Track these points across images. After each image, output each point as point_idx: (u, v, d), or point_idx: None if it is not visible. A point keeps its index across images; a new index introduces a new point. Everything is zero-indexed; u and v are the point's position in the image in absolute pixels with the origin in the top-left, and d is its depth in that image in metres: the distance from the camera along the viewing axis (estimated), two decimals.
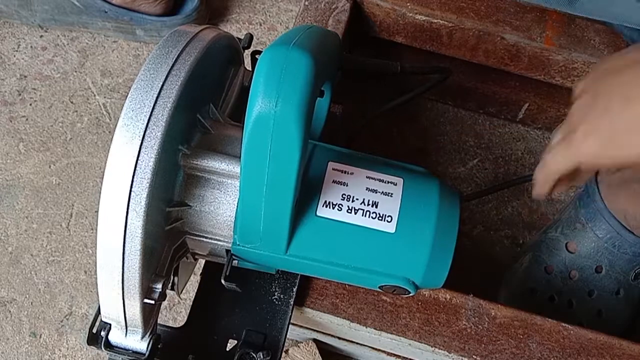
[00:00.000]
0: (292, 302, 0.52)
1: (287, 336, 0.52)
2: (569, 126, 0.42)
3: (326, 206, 0.44)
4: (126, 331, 0.42)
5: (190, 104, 0.41)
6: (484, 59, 0.69)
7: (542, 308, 0.65)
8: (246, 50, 0.52)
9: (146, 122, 0.37)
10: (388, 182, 0.45)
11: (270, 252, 0.44)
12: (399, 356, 0.64)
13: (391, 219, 0.44)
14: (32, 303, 0.76)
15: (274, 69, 0.36)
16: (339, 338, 0.65)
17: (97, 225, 0.37)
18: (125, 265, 0.38)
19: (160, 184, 0.38)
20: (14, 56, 0.91)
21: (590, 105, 0.41)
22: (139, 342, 0.43)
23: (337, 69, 0.47)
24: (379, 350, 0.64)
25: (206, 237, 0.45)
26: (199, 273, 0.55)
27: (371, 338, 0.56)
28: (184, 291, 0.56)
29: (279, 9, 0.97)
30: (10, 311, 0.75)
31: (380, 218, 0.44)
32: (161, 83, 0.38)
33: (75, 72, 0.90)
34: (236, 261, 0.46)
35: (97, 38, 0.93)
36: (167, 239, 0.43)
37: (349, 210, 0.44)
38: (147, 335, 0.43)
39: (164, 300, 0.42)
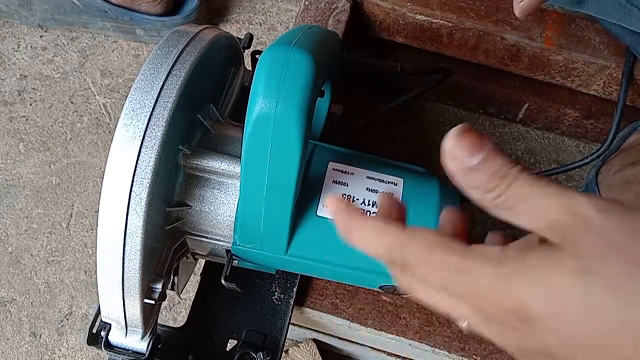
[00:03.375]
0: (292, 302, 0.52)
1: (287, 336, 0.52)
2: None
3: (326, 206, 0.44)
4: (126, 331, 0.42)
5: (191, 104, 0.41)
6: (484, 59, 0.69)
7: None
8: (246, 50, 0.52)
9: (146, 122, 0.37)
10: (388, 182, 0.45)
11: (270, 252, 0.44)
12: (399, 356, 0.64)
13: None
14: (32, 303, 0.75)
15: (275, 69, 0.36)
16: (339, 338, 0.65)
17: (97, 225, 0.37)
18: (125, 265, 0.38)
19: (160, 184, 0.38)
20: (14, 56, 0.91)
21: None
22: (139, 342, 0.43)
23: (337, 69, 0.47)
24: (379, 350, 0.64)
25: (206, 237, 0.45)
26: (199, 273, 0.55)
27: (371, 338, 0.56)
28: (184, 291, 0.55)
29: (279, 9, 0.96)
30: (10, 311, 0.75)
31: None
32: (161, 83, 0.38)
33: (75, 72, 0.90)
34: (236, 261, 0.46)
35: (97, 38, 0.93)
36: (167, 239, 0.43)
37: None
38: (147, 335, 0.42)
39: (164, 300, 0.42)
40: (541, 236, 0.24)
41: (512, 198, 0.25)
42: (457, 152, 0.26)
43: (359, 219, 0.28)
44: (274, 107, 0.36)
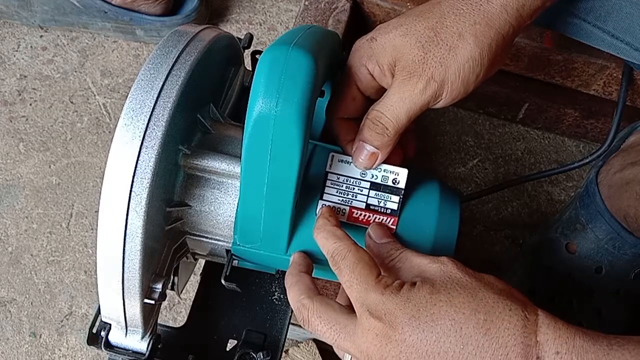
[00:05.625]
0: None
1: (287, 336, 0.52)
2: None
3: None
4: (126, 331, 0.42)
5: (191, 104, 0.41)
6: None
7: (543, 308, 0.65)
8: (246, 50, 0.52)
9: (146, 122, 0.37)
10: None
11: (270, 252, 0.44)
12: None
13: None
14: (32, 303, 0.76)
15: (275, 69, 0.36)
16: None
17: (97, 225, 0.37)
18: (125, 265, 0.38)
19: (160, 184, 0.38)
20: (14, 56, 0.91)
21: None
22: (139, 342, 0.43)
23: (337, 69, 0.47)
24: None
25: (206, 237, 0.45)
26: (199, 273, 0.55)
27: None
28: (184, 291, 0.56)
29: (279, 9, 0.97)
30: (10, 311, 0.75)
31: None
32: (161, 83, 0.38)
33: (75, 72, 0.90)
34: (236, 261, 0.46)
35: (97, 38, 0.93)
36: (167, 239, 0.43)
37: None
38: (147, 335, 0.42)
39: (164, 300, 0.42)
40: (412, 281, 0.37)
41: (402, 259, 0.39)
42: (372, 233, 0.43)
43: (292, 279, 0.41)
44: (274, 107, 0.36)
